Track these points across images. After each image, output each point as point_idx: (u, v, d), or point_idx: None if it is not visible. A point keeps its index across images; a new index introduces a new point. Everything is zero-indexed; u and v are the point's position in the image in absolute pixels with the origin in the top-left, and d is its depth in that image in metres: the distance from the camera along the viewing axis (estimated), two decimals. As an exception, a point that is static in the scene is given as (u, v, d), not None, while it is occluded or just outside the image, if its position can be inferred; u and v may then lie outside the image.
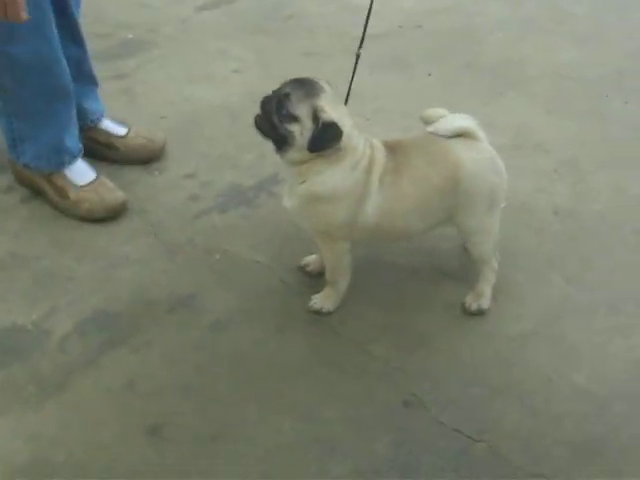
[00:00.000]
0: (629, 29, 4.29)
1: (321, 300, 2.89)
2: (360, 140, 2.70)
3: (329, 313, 2.90)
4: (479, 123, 2.80)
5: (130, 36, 4.33)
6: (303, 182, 2.70)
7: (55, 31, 3.01)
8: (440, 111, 2.82)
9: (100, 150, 3.45)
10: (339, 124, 2.62)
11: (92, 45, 3.41)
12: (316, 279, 2.97)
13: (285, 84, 2.68)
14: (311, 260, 3.04)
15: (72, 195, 3.23)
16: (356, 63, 2.94)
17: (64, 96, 3.13)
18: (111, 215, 3.23)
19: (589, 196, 3.41)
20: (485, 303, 2.94)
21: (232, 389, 2.70)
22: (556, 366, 2.80)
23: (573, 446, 2.57)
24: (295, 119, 2.62)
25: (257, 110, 2.71)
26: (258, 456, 2.52)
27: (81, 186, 3.24)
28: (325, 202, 2.69)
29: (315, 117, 2.60)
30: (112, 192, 3.25)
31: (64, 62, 3.08)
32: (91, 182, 3.25)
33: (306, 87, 2.65)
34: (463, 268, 3.03)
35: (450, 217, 2.82)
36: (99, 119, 3.44)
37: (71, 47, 3.22)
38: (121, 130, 3.48)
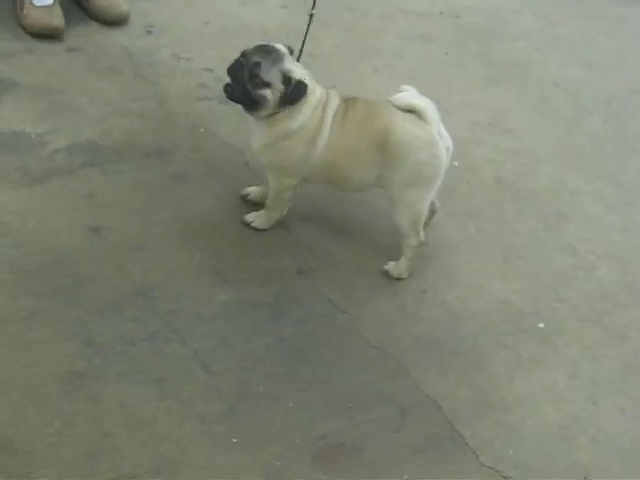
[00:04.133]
0: None
1: (254, 217, 3.32)
2: (314, 84, 3.12)
3: (256, 229, 3.32)
4: (437, 110, 3.12)
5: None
6: (272, 127, 3.10)
7: None
8: (410, 88, 3.21)
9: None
10: (304, 79, 3.05)
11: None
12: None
13: (251, 53, 3.05)
14: (251, 190, 3.42)
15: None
16: (309, 23, 3.27)
17: None
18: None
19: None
20: (395, 272, 3.27)
21: (168, 218, 3.31)
22: (436, 284, 3.33)
23: (418, 340, 3.11)
24: (267, 85, 3.03)
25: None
26: (167, 270, 3.11)
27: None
28: (291, 138, 3.09)
29: (285, 79, 3.03)
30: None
31: None
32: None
33: (272, 55, 3.05)
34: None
35: (381, 177, 3.14)
36: None
37: None
38: None
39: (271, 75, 3.04)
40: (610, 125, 4.33)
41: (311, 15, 3.28)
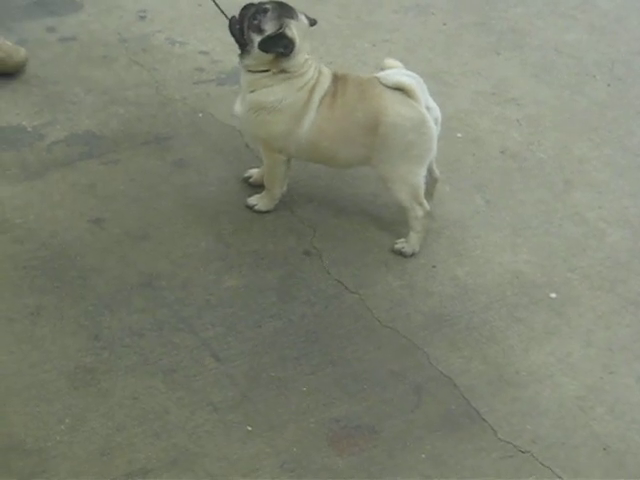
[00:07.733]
0: None
1: (257, 199, 3.29)
2: (311, 69, 3.07)
3: (260, 211, 3.29)
4: (424, 86, 3.10)
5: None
6: (252, 92, 3.08)
7: None
8: (395, 63, 3.19)
9: None
10: (296, 46, 2.99)
11: None
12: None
13: (270, 2, 3.03)
14: (253, 172, 3.39)
15: None
16: None
17: None
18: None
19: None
20: (408, 249, 3.22)
21: (171, 206, 3.26)
22: (446, 259, 3.27)
23: (429, 317, 3.04)
24: (261, 31, 2.98)
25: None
26: (172, 259, 3.07)
27: None
28: (267, 112, 3.06)
29: (277, 30, 2.97)
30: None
31: None
32: None
33: (285, 10, 3.02)
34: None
35: (369, 157, 3.13)
36: None
37: None
38: None
39: (269, 24, 2.99)
40: (614, 89, 4.26)
41: None
